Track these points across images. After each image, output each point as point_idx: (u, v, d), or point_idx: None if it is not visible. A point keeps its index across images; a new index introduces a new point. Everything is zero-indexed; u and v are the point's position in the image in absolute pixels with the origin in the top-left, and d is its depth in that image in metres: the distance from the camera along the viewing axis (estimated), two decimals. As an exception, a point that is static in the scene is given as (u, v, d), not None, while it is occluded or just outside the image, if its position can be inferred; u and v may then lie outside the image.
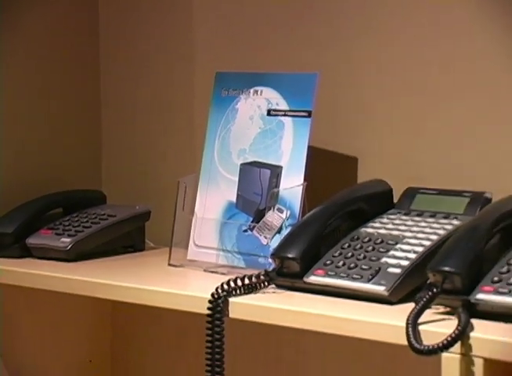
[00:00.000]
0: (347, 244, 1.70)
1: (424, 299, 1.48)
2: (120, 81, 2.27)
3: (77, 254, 1.97)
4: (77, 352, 2.21)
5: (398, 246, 1.66)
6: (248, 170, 1.89)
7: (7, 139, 2.12)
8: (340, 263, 1.66)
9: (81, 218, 2.05)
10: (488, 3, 1.82)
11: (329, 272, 1.65)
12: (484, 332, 1.42)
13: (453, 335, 1.39)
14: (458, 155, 1.87)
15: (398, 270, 1.61)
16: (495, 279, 1.48)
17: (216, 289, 1.64)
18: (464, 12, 1.85)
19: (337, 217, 1.75)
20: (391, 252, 1.65)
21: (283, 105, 1.87)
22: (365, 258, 1.65)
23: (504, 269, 1.49)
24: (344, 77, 1.97)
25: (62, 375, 2.18)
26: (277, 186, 1.84)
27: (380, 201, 1.81)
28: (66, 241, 1.96)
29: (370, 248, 1.67)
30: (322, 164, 1.91)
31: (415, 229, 1.70)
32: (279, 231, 1.79)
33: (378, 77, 1.95)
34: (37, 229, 2.02)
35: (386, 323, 1.50)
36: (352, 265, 1.64)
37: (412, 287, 1.60)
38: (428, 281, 1.52)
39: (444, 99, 1.88)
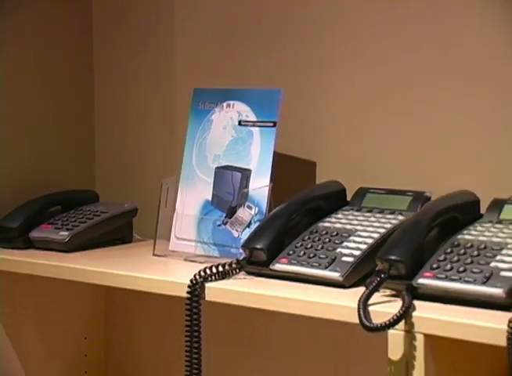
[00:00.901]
0: (307, 237, 1.71)
1: (373, 284, 1.50)
2: (112, 96, 2.26)
3: (74, 246, 1.97)
4: (74, 330, 2.20)
5: (351, 238, 1.68)
6: (222, 173, 1.90)
7: (8, 146, 2.11)
8: (301, 253, 1.67)
9: (77, 214, 2.06)
10: (425, 17, 1.85)
11: (292, 261, 1.67)
12: (424, 312, 1.44)
13: (398, 315, 1.42)
14: (402, 159, 1.87)
15: (351, 259, 1.62)
16: (434, 266, 1.50)
17: (194, 276, 1.65)
18: (416, 27, 1.87)
19: (298, 213, 1.76)
20: (345, 243, 1.67)
21: (252, 117, 1.88)
22: (322, 248, 1.67)
23: (442, 258, 1.51)
24: (305, 93, 1.97)
25: (60, 350, 2.18)
26: (247, 186, 1.85)
27: (335, 199, 1.82)
28: (64, 234, 1.97)
29: (327, 240, 1.69)
30: (285, 168, 1.91)
31: (365, 223, 1.72)
32: (248, 225, 1.81)
33: (334, 93, 1.95)
34: (38, 224, 2.03)
35: (340, 304, 1.52)
36: (312, 255, 1.66)
37: (364, 273, 1.62)
38: (377, 268, 1.53)
39: (390, 112, 1.89)
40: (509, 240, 1.54)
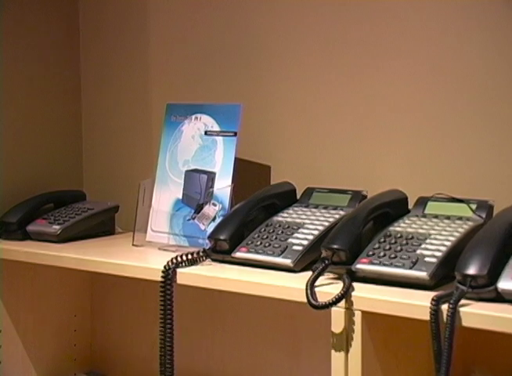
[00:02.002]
0: (263, 229, 1.72)
1: (319, 269, 1.51)
2: (97, 111, 2.25)
3: (65, 238, 1.97)
4: (65, 309, 2.20)
5: (300, 230, 1.69)
6: (191, 175, 1.90)
7: (8, 153, 2.11)
8: (259, 243, 1.68)
9: (67, 211, 2.06)
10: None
11: (251, 250, 1.68)
12: (362, 292, 1.46)
13: (339, 295, 1.44)
14: (343, 163, 1.88)
15: (300, 248, 1.64)
16: (370, 253, 1.52)
17: (167, 262, 1.66)
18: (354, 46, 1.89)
19: (256, 209, 1.77)
20: (295, 234, 1.68)
21: (216, 127, 1.88)
22: (276, 238, 1.68)
23: (376, 246, 1.53)
24: (261, 107, 1.97)
25: (54, 326, 2.18)
26: (212, 186, 1.85)
27: (287, 197, 1.83)
28: (56, 228, 1.98)
29: (280, 232, 1.70)
30: (244, 171, 1.91)
31: (312, 217, 1.73)
32: (213, 220, 1.81)
33: (285, 108, 1.96)
34: (34, 219, 2.03)
35: (291, 286, 1.53)
36: (267, 244, 1.67)
37: (311, 259, 1.63)
38: (322, 255, 1.55)
39: (332, 123, 1.89)
40: (432, 231, 1.56)
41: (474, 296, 1.38)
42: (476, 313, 1.35)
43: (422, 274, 1.46)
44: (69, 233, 2.00)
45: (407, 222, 1.62)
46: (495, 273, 1.38)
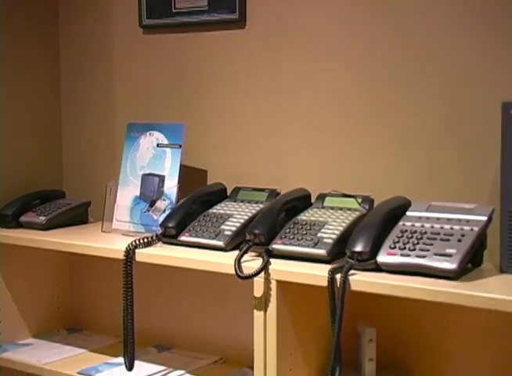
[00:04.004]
0: (202, 219, 1.72)
1: (244, 248, 1.53)
2: (75, 126, 2.21)
3: (49, 226, 1.96)
4: (49, 281, 2.17)
5: (230, 219, 1.69)
6: (146, 178, 1.88)
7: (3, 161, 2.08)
8: (198, 229, 1.68)
9: (51, 205, 2.04)
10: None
11: (192, 234, 1.68)
12: (276, 266, 1.47)
13: (260, 268, 1.46)
14: (263, 167, 1.87)
15: (230, 232, 1.64)
16: (283, 236, 1.53)
17: (128, 245, 1.67)
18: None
19: (195, 203, 1.77)
20: (226, 222, 1.68)
21: (166, 141, 1.87)
22: (212, 226, 1.68)
23: (287, 231, 1.55)
24: (200, 124, 1.95)
25: (41, 294, 2.15)
26: (162, 186, 1.84)
27: (219, 194, 1.83)
28: (42, 219, 1.96)
29: (214, 220, 1.70)
30: (187, 174, 1.89)
31: (239, 209, 1.73)
32: (163, 212, 1.80)
33: (219, 125, 1.94)
34: (26, 212, 2.01)
35: (223, 262, 1.55)
36: (205, 230, 1.67)
37: (238, 241, 1.63)
38: (246, 238, 1.56)
39: (254, 134, 1.88)
40: (329, 219, 1.58)
41: (360, 267, 1.41)
42: (361, 280, 1.38)
43: (322, 252, 1.49)
44: (52, 223, 1.97)
45: (310, 212, 1.63)
46: (375, 250, 1.41)
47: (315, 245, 1.50)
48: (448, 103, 1.61)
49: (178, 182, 1.83)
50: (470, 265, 1.43)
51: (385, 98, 1.69)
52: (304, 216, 1.61)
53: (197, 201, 1.78)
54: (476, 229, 1.41)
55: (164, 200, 1.83)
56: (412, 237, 1.42)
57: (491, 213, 1.45)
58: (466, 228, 1.41)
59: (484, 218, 1.43)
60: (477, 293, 1.26)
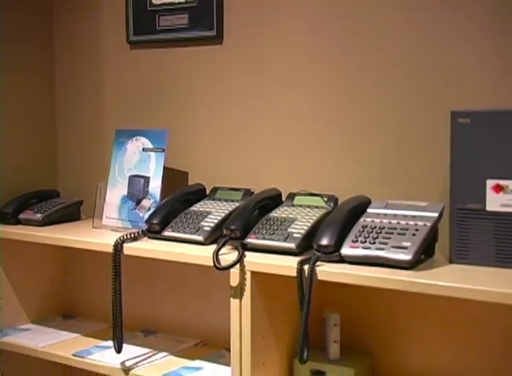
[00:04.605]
0: (183, 216, 1.71)
1: (221, 242, 1.53)
2: (70, 132, 2.20)
3: (45, 223, 1.94)
4: (46, 272, 2.15)
5: (209, 216, 1.68)
6: (133, 179, 1.87)
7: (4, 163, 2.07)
8: (180, 225, 1.67)
9: (46, 204, 2.02)
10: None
11: (174, 230, 1.67)
12: (251, 258, 1.47)
13: (236, 260, 1.46)
14: (237, 170, 1.86)
15: (208, 228, 1.64)
16: (256, 231, 1.53)
17: (117, 239, 1.66)
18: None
19: (177, 202, 1.76)
20: (205, 219, 1.67)
21: (150, 146, 1.86)
22: (192, 222, 1.67)
23: (260, 226, 1.54)
24: (182, 131, 1.94)
25: (38, 283, 2.13)
26: (147, 187, 1.83)
27: (199, 194, 1.82)
28: (39, 216, 1.94)
29: (195, 217, 1.69)
30: (170, 175, 1.89)
31: (217, 207, 1.73)
32: (148, 210, 1.79)
33: (199, 131, 1.93)
34: (24, 210, 1.99)
35: (203, 255, 1.54)
36: (185, 226, 1.66)
37: (217, 236, 1.63)
38: (223, 233, 1.56)
39: (229, 141, 1.87)
40: (298, 216, 1.57)
41: (326, 259, 1.41)
42: (326, 271, 1.38)
43: (291, 245, 1.49)
44: (48, 220, 1.96)
45: (281, 210, 1.63)
46: (339, 243, 1.41)
47: (285, 239, 1.50)
48: (403, 111, 1.62)
49: (162, 183, 1.82)
50: (424, 256, 1.44)
51: (348, 109, 1.69)
52: (275, 213, 1.61)
53: (179, 200, 1.77)
54: (428, 224, 1.42)
55: (149, 199, 1.82)
56: (372, 232, 1.42)
57: (441, 210, 1.46)
58: (420, 223, 1.42)
59: (436, 215, 1.44)
60: (429, 281, 1.27)
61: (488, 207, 1.37)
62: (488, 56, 1.51)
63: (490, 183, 1.37)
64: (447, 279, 1.28)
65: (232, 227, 1.54)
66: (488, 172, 1.36)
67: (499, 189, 1.36)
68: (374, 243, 1.39)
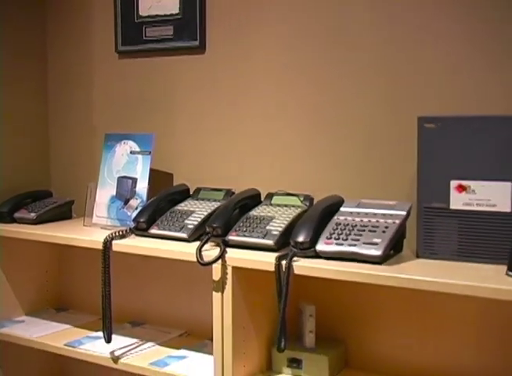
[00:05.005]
0: (168, 214, 1.70)
1: (204, 239, 1.52)
2: (62, 135, 2.18)
3: (39, 221, 1.92)
4: (40, 267, 2.13)
5: (193, 214, 1.67)
6: (121, 180, 1.85)
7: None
8: (165, 223, 1.66)
9: (40, 203, 2.00)
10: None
11: (160, 228, 1.66)
12: (232, 254, 1.46)
13: (218, 256, 1.45)
14: (219, 172, 1.85)
15: (192, 226, 1.63)
16: (237, 229, 1.52)
17: (106, 236, 1.65)
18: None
19: (163, 201, 1.75)
20: (189, 217, 1.66)
21: (138, 149, 1.85)
22: (177, 221, 1.66)
23: (241, 224, 1.53)
24: (167, 135, 1.94)
25: (33, 278, 2.11)
26: (135, 187, 1.81)
27: (183, 194, 1.81)
28: (33, 215, 1.92)
29: (179, 216, 1.68)
30: (156, 176, 1.88)
31: (200, 206, 1.71)
32: (136, 209, 1.78)
33: (184, 135, 1.92)
34: (19, 209, 1.96)
35: (187, 251, 1.52)
36: (170, 224, 1.65)
37: (200, 233, 1.62)
38: (206, 231, 1.55)
39: (214, 144, 1.86)
40: (276, 215, 1.57)
41: (302, 255, 1.41)
42: (302, 265, 1.37)
43: (269, 242, 1.48)
44: (41, 218, 1.94)
45: (260, 209, 1.62)
46: (314, 240, 1.41)
47: (264, 236, 1.49)
48: (375, 117, 1.62)
49: (148, 184, 1.81)
50: (393, 251, 1.44)
51: (324, 115, 1.69)
52: (254, 212, 1.60)
53: (164, 200, 1.76)
54: (397, 222, 1.42)
55: (137, 198, 1.81)
56: (345, 229, 1.42)
57: (409, 208, 1.46)
58: (389, 221, 1.42)
59: (404, 213, 1.44)
60: (398, 275, 1.27)
61: (452, 206, 1.37)
62: (454, 66, 1.51)
63: (453, 184, 1.37)
64: (414, 272, 1.28)
65: (215, 225, 1.54)
66: (452, 174, 1.37)
67: (461, 189, 1.37)
68: (347, 239, 1.39)
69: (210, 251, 1.50)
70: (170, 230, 1.65)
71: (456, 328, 1.51)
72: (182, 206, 1.74)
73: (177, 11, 1.89)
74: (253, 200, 1.67)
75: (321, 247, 1.40)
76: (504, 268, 1.29)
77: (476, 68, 1.48)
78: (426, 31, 1.53)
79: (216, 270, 1.47)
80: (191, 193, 1.82)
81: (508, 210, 1.33)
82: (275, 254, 1.41)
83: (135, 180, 1.83)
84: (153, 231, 1.67)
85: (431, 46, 1.53)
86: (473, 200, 1.36)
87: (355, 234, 1.40)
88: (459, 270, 1.30)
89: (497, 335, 1.47)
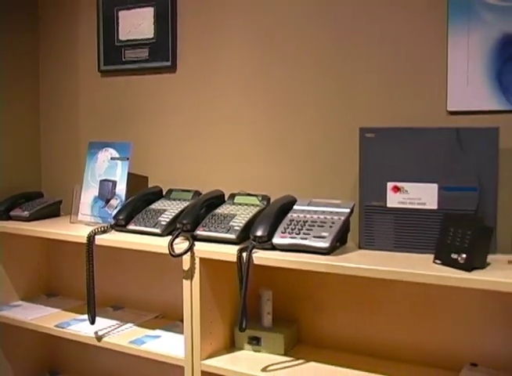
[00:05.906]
0: (144, 213, 1.67)
1: (175, 234, 1.49)
2: (51, 142, 2.14)
3: (31, 219, 1.87)
4: (32, 259, 2.08)
5: (165, 212, 1.64)
6: (103, 183, 1.81)
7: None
8: (142, 220, 1.63)
9: (32, 203, 1.94)
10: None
11: (137, 224, 1.63)
12: (199, 247, 1.43)
13: (187, 248, 1.42)
14: (190, 174, 1.82)
15: (165, 222, 1.60)
16: (204, 225, 1.49)
17: (90, 232, 1.61)
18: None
19: (139, 201, 1.71)
20: (162, 215, 1.63)
21: (117, 155, 1.81)
22: (152, 218, 1.63)
23: (207, 221, 1.50)
24: (143, 143, 1.90)
25: (26, 268, 2.06)
26: (115, 189, 1.78)
27: (157, 194, 1.77)
28: (26, 213, 1.86)
29: (153, 213, 1.65)
30: (133, 179, 1.85)
31: (172, 206, 1.68)
32: (116, 208, 1.74)
33: (158, 143, 1.89)
34: (14, 208, 1.91)
35: (160, 244, 1.50)
36: (146, 221, 1.62)
37: (172, 229, 1.59)
38: (177, 226, 1.51)
39: (185, 150, 1.83)
40: (237, 213, 1.54)
41: (260, 247, 1.39)
42: (261, 256, 1.35)
43: (232, 236, 1.46)
44: (33, 216, 1.89)
45: (224, 207, 1.60)
46: (271, 234, 1.39)
47: (227, 231, 1.47)
48: (323, 128, 1.60)
49: (127, 186, 1.77)
50: (339, 243, 1.43)
51: (278, 126, 1.67)
52: (219, 210, 1.57)
53: (140, 200, 1.72)
54: (342, 218, 1.41)
55: (116, 199, 1.77)
56: (297, 224, 1.40)
57: (352, 206, 1.45)
58: (336, 217, 1.41)
59: (348, 210, 1.44)
60: (343, 263, 1.26)
61: (389, 204, 1.37)
62: (389, 83, 1.50)
63: (390, 185, 1.37)
64: (356, 261, 1.27)
65: (184, 221, 1.51)
66: (389, 176, 1.37)
67: (396, 189, 1.37)
68: (299, 233, 1.37)
69: (181, 245, 1.47)
70: (145, 226, 1.61)
71: (392, 308, 1.51)
72: (156, 205, 1.71)
73: (151, 36, 1.86)
74: (218, 199, 1.64)
75: (277, 240, 1.37)
76: (432, 257, 1.29)
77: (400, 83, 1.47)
78: (362, 51, 1.52)
79: (186, 261, 1.45)
80: (164, 193, 1.79)
81: (435, 207, 1.33)
82: (237, 247, 1.39)
83: (114, 183, 1.79)
84: (131, 227, 1.64)
85: (363, 68, 1.52)
86: (406, 199, 1.36)
87: (306, 229, 1.38)
88: (394, 259, 1.30)
89: (426, 313, 1.47)
